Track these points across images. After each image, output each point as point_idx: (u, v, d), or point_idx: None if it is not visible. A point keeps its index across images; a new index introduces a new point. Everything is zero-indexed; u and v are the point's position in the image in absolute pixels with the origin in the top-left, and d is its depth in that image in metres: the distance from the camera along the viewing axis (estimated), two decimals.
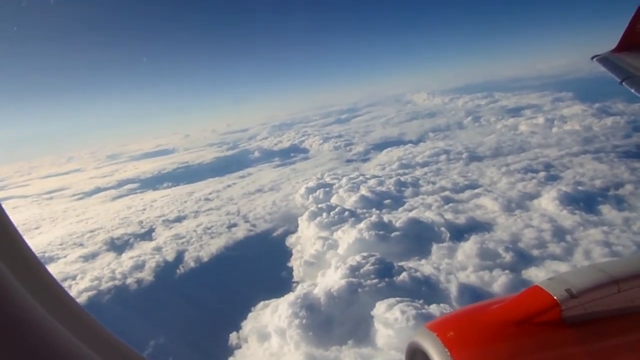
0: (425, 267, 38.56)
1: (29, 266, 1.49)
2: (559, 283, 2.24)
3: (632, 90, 6.32)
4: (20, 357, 1.11)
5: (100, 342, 1.52)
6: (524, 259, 39.05)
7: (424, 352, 2.20)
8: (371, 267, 36.56)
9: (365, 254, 38.89)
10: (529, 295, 2.30)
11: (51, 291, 1.52)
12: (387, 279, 35.07)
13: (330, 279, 36.63)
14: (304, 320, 32.65)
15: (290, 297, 37.06)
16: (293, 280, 45.96)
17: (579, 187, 52.98)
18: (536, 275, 35.05)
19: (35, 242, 71.82)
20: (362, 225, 47.64)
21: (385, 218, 50.03)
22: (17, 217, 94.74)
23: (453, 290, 33.79)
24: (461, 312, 2.58)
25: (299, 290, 36.88)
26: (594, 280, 2.19)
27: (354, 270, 36.50)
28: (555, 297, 2.16)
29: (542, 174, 61.10)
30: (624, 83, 6.59)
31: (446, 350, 2.09)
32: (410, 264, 39.00)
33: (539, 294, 2.24)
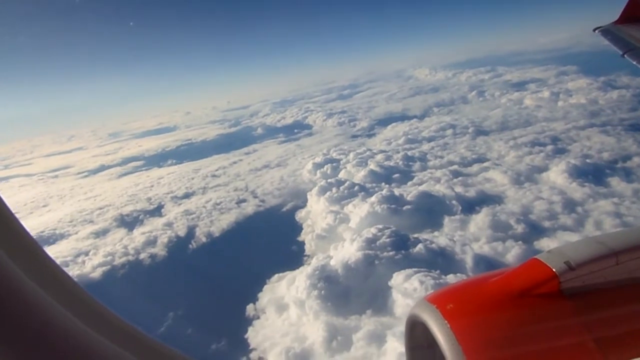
0: (440, 238, 39.06)
1: (26, 248, 1.41)
2: (558, 255, 2.27)
3: (635, 63, 6.27)
4: (23, 341, 1.08)
5: (104, 322, 1.49)
6: (535, 230, 39.49)
7: (423, 324, 2.24)
8: (387, 240, 36.98)
9: (380, 226, 39.26)
10: (528, 268, 2.33)
11: (49, 272, 1.45)
12: (403, 251, 35.50)
13: (346, 252, 37.06)
14: (322, 291, 33.18)
15: (305, 269, 37.58)
16: (305, 254, 46.52)
17: (587, 160, 53.02)
18: (548, 245, 35.39)
19: (45, 220, 72.61)
20: (373, 199, 48.00)
21: (396, 192, 50.40)
22: (24, 196, 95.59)
23: (469, 260, 34.25)
24: (460, 284, 2.61)
25: (315, 262, 37.29)
26: (593, 253, 2.21)
27: (370, 242, 36.96)
28: (553, 270, 2.19)
29: (549, 147, 61.08)
30: (626, 55, 6.55)
31: (445, 322, 2.13)
32: (424, 236, 39.46)
33: (538, 267, 2.27)
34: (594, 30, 8.68)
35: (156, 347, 1.60)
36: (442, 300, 2.29)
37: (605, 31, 8.15)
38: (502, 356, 2.04)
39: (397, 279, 31.56)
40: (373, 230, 38.62)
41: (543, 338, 2.07)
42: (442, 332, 2.09)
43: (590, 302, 2.16)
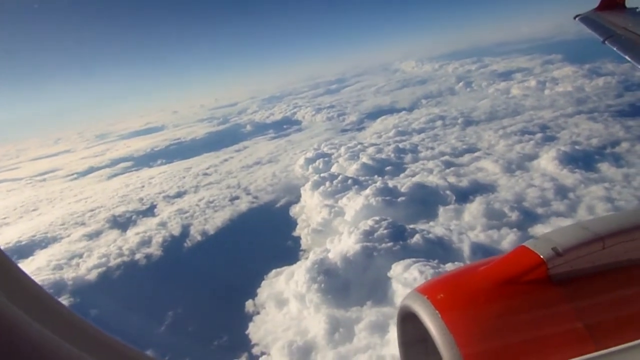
0: (436, 228, 39.41)
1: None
2: (545, 242, 2.31)
3: (615, 49, 6.21)
4: None
5: (69, 327, 1.39)
6: (529, 217, 39.97)
7: (415, 314, 2.26)
8: (384, 231, 37.19)
9: (377, 218, 39.50)
10: (516, 255, 2.36)
11: (22, 286, 1.36)
12: (401, 242, 35.73)
13: (344, 244, 37.28)
14: (322, 285, 33.36)
15: (303, 264, 37.73)
16: (301, 248, 46.76)
17: (576, 147, 53.69)
18: (543, 231, 35.50)
19: (36, 223, 72.09)
20: (367, 191, 48.27)
21: (390, 184, 50.71)
22: (13, 200, 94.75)
23: (466, 249, 34.65)
24: (450, 274, 2.64)
25: (314, 256, 37.34)
26: (579, 238, 2.24)
27: (367, 234, 37.15)
28: (541, 256, 2.22)
29: (538, 135, 61.70)
30: (606, 42, 6.50)
31: (436, 312, 2.15)
32: (419, 227, 39.75)
33: (526, 254, 2.30)
34: (575, 17, 8.68)
35: (126, 352, 1.50)
36: (433, 291, 2.32)
37: (585, 18, 8.20)
38: (493, 344, 2.08)
39: (396, 270, 31.78)
40: (370, 222, 38.83)
41: (533, 324, 2.12)
42: (434, 322, 2.12)
43: (578, 287, 2.19)
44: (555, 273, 2.20)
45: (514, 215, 40.16)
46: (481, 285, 2.27)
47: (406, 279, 30.29)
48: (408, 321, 2.38)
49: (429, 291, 2.31)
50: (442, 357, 2.00)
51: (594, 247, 2.20)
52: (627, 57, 5.82)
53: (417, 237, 36.15)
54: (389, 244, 35.73)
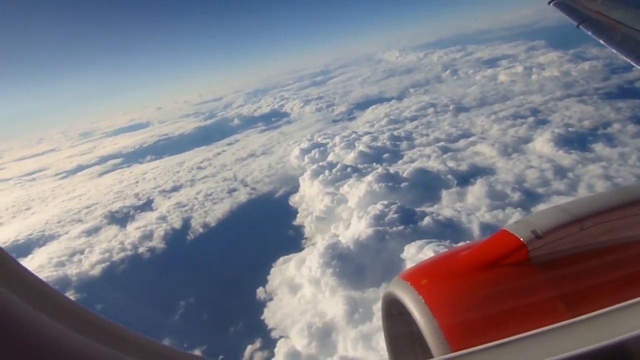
0: (444, 210, 40.24)
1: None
2: (525, 225, 2.33)
3: (590, 34, 6.10)
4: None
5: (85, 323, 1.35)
6: (531, 196, 40.90)
7: (399, 301, 2.29)
8: (394, 215, 37.94)
9: (385, 202, 40.28)
10: (497, 239, 2.39)
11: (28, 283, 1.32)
12: (411, 225, 36.51)
13: (355, 229, 37.94)
14: (337, 269, 34.04)
15: (314, 250, 38.46)
16: (304, 236, 47.32)
17: (570, 129, 54.92)
18: None
19: (31, 222, 71.69)
20: (369, 178, 48.95)
21: (391, 170, 51.45)
22: (3, 201, 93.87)
23: (476, 229, 35.46)
24: (434, 259, 2.66)
25: (326, 241, 37.92)
26: (558, 221, 2.28)
27: (378, 218, 37.84)
28: (521, 239, 2.25)
29: (530, 119, 62.73)
30: (581, 26, 6.38)
31: (420, 297, 2.18)
32: (425, 210, 40.52)
33: (506, 237, 2.33)
34: (549, 3, 8.92)
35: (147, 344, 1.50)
36: (416, 277, 2.36)
37: (560, 3, 7.92)
38: (475, 326, 2.16)
39: (410, 251, 32.44)
40: (379, 206, 39.52)
41: (514, 305, 2.17)
42: (418, 307, 2.17)
43: (557, 268, 2.25)
44: (535, 255, 2.26)
45: (516, 196, 41.19)
46: (463, 270, 2.33)
47: (421, 259, 30.75)
48: (393, 307, 2.44)
49: (412, 277, 2.36)
50: (427, 341, 2.09)
51: (572, 229, 2.27)
52: (601, 41, 5.82)
53: (427, 220, 36.95)
54: (400, 227, 36.47)
